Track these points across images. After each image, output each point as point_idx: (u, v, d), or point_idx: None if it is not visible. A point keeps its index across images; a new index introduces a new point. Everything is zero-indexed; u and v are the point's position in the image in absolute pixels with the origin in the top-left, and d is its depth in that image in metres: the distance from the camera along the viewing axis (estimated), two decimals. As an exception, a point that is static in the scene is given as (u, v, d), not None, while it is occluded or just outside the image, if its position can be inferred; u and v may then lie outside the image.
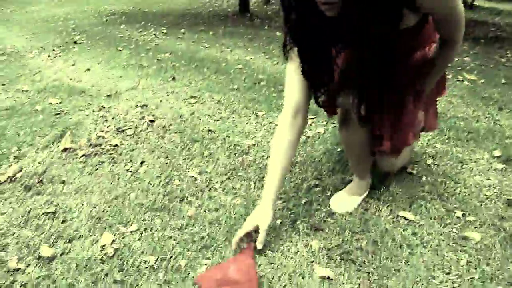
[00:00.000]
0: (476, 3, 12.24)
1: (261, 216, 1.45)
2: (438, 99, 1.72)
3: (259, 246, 1.42)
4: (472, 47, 5.62)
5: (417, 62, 1.45)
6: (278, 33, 6.14)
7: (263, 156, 2.21)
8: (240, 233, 1.44)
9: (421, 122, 1.60)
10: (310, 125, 2.64)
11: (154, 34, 6.07)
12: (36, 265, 1.40)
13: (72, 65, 4.21)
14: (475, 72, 4.14)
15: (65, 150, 2.25)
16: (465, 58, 4.81)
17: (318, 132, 2.53)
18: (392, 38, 1.19)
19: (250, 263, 1.36)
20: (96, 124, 2.62)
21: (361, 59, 1.26)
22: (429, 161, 2.18)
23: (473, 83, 3.72)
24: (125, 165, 2.09)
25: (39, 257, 1.43)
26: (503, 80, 3.88)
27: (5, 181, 1.93)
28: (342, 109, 1.59)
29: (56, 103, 3.01)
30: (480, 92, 3.45)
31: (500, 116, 2.91)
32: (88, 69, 3.99)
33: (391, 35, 1.18)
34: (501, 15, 10.53)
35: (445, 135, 2.52)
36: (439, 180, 1.98)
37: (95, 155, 2.20)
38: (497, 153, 2.29)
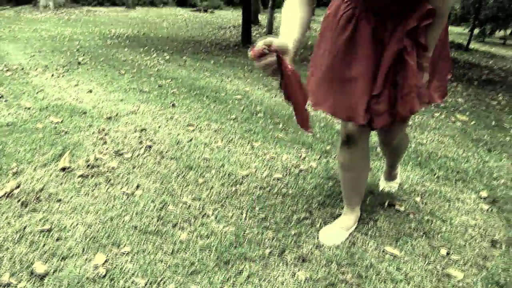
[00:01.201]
0: (471, 46, 12.56)
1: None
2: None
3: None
4: (466, 89, 5.77)
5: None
6: (278, 65, 6.28)
7: (256, 186, 2.26)
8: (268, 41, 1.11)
9: (424, 86, 1.54)
10: (304, 158, 2.71)
11: (157, 60, 6.21)
12: (28, 281, 1.43)
13: (75, 85, 4.30)
14: (467, 113, 4.25)
15: (63, 169, 2.30)
16: (459, 99, 4.94)
17: (311, 166, 2.59)
18: None
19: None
20: (95, 145, 2.68)
21: None
22: (418, 199, 2.24)
23: (464, 124, 3.82)
24: (121, 188, 2.14)
25: (31, 273, 1.46)
26: (493, 123, 3.99)
27: (2, 196, 1.97)
28: (347, 128, 1.65)
29: (57, 122, 3.07)
30: (471, 133, 3.55)
31: (489, 158, 2.99)
32: (90, 91, 4.07)
33: None
34: (494, 59, 10.82)
35: (435, 174, 2.59)
36: (426, 218, 2.03)
37: (93, 176, 2.25)
38: (484, 193, 2.35)
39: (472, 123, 3.90)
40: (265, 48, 1.09)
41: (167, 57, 6.49)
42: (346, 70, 1.52)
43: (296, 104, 1.20)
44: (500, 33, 15.44)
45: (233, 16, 20.61)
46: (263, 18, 17.26)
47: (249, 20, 8.58)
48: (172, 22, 15.36)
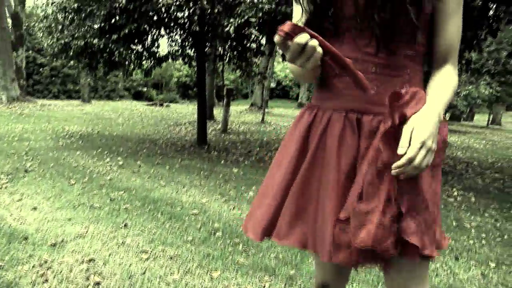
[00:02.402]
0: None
1: None
2: None
3: None
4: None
5: None
6: (234, 170, 6.24)
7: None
8: None
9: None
10: (267, 292, 2.53)
11: (110, 166, 6.02)
12: None
13: (19, 200, 4.01)
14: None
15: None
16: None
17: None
18: None
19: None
20: (33, 285, 2.40)
21: None
22: None
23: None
24: None
25: None
26: (454, 223, 4.00)
27: None
28: (319, 276, 1.44)
29: (-7, 254, 2.77)
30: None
31: (458, 268, 2.94)
32: (35, 208, 3.79)
33: None
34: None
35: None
36: None
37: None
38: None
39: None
40: (295, 28, 0.93)
41: (121, 162, 6.32)
42: (308, 189, 1.21)
43: (349, 70, 1.02)
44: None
45: (189, 110, 21.01)
46: (218, 112, 17.68)
47: (204, 117, 8.68)
48: (128, 118, 15.39)
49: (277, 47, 1.02)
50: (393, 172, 1.01)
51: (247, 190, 5.01)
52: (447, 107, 1.17)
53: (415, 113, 1.04)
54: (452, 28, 1.16)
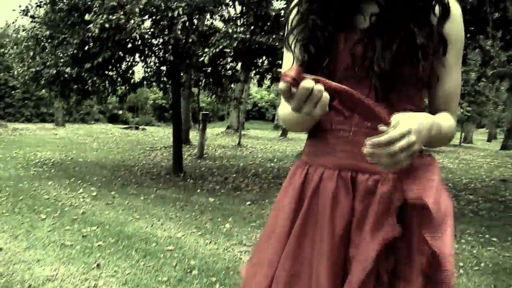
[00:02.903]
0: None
1: None
2: None
3: None
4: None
5: None
6: (210, 199, 6.17)
7: None
8: None
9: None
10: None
11: (83, 197, 5.86)
12: None
13: (-15, 239, 3.85)
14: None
15: None
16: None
17: None
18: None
19: None
20: None
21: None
22: None
23: None
24: None
25: None
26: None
27: None
28: None
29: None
30: None
31: None
32: (1, 249, 3.64)
33: None
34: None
35: None
36: None
37: None
38: None
39: None
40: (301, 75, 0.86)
41: (95, 193, 6.17)
42: (301, 254, 1.15)
43: (362, 104, 0.94)
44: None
45: (165, 134, 20.82)
46: (194, 135, 17.54)
47: (179, 144, 8.59)
48: (103, 142, 15.15)
49: (280, 94, 0.96)
50: (365, 150, 0.90)
51: (224, 222, 4.94)
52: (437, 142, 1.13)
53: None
54: (451, 81, 1.15)
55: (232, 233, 4.49)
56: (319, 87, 0.88)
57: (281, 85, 0.87)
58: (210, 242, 4.15)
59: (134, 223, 4.70)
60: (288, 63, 1.22)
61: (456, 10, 1.13)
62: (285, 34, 1.24)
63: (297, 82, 0.86)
